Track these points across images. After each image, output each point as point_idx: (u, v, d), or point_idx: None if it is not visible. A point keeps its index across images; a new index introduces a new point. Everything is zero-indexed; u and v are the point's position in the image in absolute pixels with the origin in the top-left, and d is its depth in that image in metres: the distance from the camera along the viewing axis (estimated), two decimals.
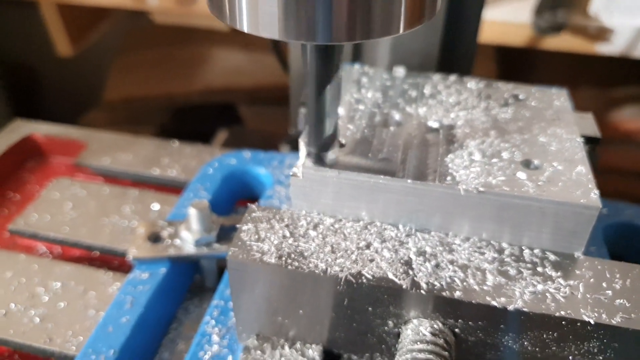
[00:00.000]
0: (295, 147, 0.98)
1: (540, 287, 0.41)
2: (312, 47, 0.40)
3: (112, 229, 0.70)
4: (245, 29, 0.36)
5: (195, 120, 1.63)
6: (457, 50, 0.80)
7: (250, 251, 0.43)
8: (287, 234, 0.45)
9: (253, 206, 0.47)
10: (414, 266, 0.42)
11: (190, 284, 0.63)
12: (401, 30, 0.36)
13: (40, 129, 0.86)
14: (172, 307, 0.60)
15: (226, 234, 0.61)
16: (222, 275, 0.59)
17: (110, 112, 1.61)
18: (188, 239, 0.59)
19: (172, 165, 0.79)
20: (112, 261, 0.69)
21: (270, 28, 0.35)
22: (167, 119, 1.63)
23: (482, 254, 0.44)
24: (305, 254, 0.43)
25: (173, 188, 0.77)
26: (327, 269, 0.42)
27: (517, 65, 1.39)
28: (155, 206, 0.73)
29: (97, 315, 0.58)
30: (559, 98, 0.55)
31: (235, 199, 0.73)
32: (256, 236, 0.44)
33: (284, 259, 0.42)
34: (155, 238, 0.61)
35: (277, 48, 0.93)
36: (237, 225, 0.46)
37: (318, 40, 0.35)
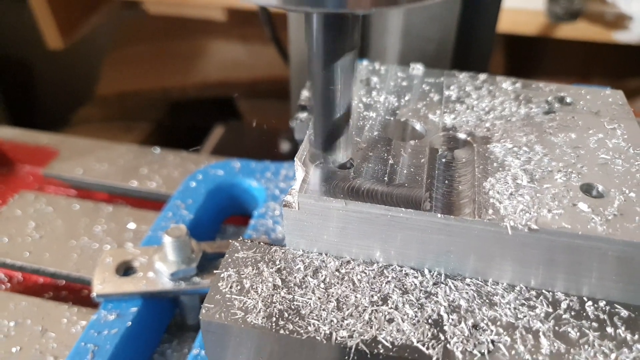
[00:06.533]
0: (295, 144, 0.88)
1: (613, 356, 0.31)
2: (320, 19, 0.30)
3: (81, 253, 0.60)
4: None
5: (191, 115, 1.58)
6: (475, 37, 0.72)
7: (231, 308, 0.33)
8: (279, 283, 0.34)
9: (236, 244, 0.37)
10: (445, 328, 0.32)
11: (167, 323, 0.54)
12: None
13: (5, 134, 0.76)
14: (145, 353, 0.51)
15: (209, 263, 0.51)
16: None
17: (103, 107, 1.57)
18: (163, 272, 0.49)
19: (152, 176, 0.69)
20: (80, 291, 0.59)
21: None
22: (162, 114, 1.58)
23: (532, 308, 0.34)
24: (303, 311, 0.33)
25: (153, 202, 0.67)
26: (331, 333, 0.32)
27: (525, 55, 1.32)
28: (131, 225, 0.63)
29: None
30: (615, 101, 0.44)
31: (222, 217, 0.63)
32: (238, 286, 0.34)
33: (274, 319, 0.32)
34: (125, 269, 0.51)
35: (277, 37, 0.83)
36: (217, 271, 0.36)
37: (328, 6, 0.26)
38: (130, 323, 0.47)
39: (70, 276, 0.58)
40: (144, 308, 0.49)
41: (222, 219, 0.64)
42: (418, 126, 0.41)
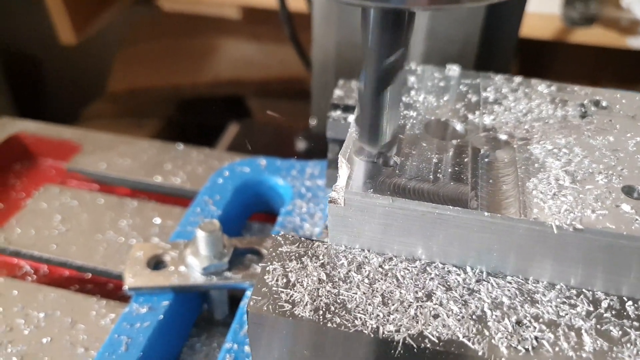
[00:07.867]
0: (314, 143, 0.88)
1: None
2: (378, 15, 0.31)
3: (107, 247, 0.60)
4: None
5: (202, 112, 1.57)
6: (499, 40, 0.72)
7: (278, 301, 0.33)
8: (324, 277, 0.35)
9: (279, 238, 0.37)
10: (489, 324, 0.33)
11: (196, 317, 0.54)
12: None
13: (29, 128, 0.76)
14: (175, 346, 0.51)
15: (239, 259, 0.52)
16: (236, 309, 0.50)
17: (114, 104, 1.56)
18: (195, 266, 0.50)
19: (176, 172, 0.70)
20: (106, 284, 0.59)
21: None
22: (173, 111, 1.57)
23: (574, 306, 0.34)
24: (349, 305, 0.33)
25: (177, 198, 0.68)
26: (378, 327, 0.32)
27: (536, 58, 1.32)
28: (157, 220, 0.63)
29: (86, 355, 0.49)
30: None
31: (248, 213, 0.64)
32: (284, 280, 0.35)
33: (321, 312, 0.33)
34: (156, 263, 0.52)
35: (296, 37, 0.83)
36: (259, 265, 0.36)
37: (391, 2, 0.28)
38: (162, 316, 0.48)
39: (97, 269, 0.59)
40: (175, 302, 0.50)
41: (248, 216, 0.64)
42: (458, 126, 0.41)
